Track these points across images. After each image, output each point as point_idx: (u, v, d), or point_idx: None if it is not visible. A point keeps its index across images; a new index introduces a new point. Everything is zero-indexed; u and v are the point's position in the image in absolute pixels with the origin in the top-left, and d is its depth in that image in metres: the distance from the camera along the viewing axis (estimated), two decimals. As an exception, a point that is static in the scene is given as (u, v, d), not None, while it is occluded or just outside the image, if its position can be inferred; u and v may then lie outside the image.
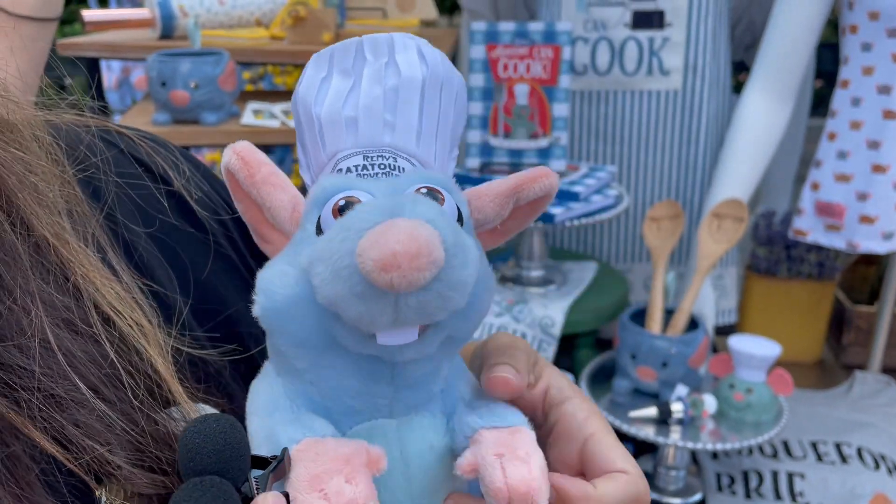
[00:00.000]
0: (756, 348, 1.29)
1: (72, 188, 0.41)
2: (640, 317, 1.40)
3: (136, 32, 1.72)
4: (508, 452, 0.34)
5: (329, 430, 0.34)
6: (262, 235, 0.37)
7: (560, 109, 1.45)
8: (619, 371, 1.38)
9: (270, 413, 0.34)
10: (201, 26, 1.67)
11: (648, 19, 1.60)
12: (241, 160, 0.35)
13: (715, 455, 1.48)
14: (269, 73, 2.27)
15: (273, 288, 0.33)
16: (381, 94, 0.35)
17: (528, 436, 0.35)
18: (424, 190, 0.33)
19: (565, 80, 1.44)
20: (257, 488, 0.29)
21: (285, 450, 0.31)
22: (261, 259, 0.47)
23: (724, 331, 1.80)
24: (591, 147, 1.70)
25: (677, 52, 1.60)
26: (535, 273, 1.54)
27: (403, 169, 0.35)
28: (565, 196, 1.39)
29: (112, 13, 1.74)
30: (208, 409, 0.41)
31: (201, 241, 0.47)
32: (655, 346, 1.31)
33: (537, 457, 0.34)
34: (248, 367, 0.43)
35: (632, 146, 1.67)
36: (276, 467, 0.30)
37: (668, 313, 1.41)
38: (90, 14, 1.70)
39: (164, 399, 0.38)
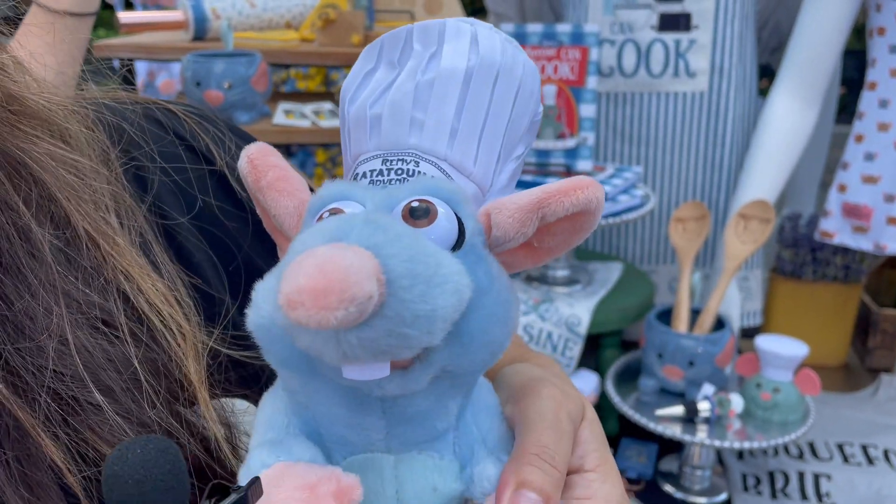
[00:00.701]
0: (783, 348, 1.29)
1: (118, 184, 0.40)
2: (665, 317, 1.41)
3: (169, 34, 1.76)
4: None
5: (308, 455, 0.31)
6: (277, 243, 0.36)
7: (587, 110, 1.46)
8: (645, 370, 1.39)
9: (264, 432, 0.32)
10: (233, 29, 1.70)
11: (675, 21, 1.61)
12: (249, 164, 0.33)
13: (740, 455, 1.48)
14: (293, 78, 2.30)
15: (260, 303, 0.30)
16: (413, 89, 0.31)
17: None
18: (416, 203, 0.29)
19: (592, 81, 1.46)
20: None
21: (255, 479, 0.27)
22: None
23: (748, 333, 1.80)
24: (618, 149, 1.71)
25: (703, 54, 1.61)
26: (561, 272, 1.55)
27: (424, 174, 0.31)
28: (592, 196, 1.40)
29: (146, 15, 1.78)
30: (240, 405, 0.41)
31: (245, 223, 0.46)
32: (682, 345, 1.32)
33: None
34: None
35: (657, 148, 1.68)
36: (238, 501, 0.26)
37: (694, 314, 1.41)
38: (125, 16, 1.73)
39: (190, 402, 0.37)
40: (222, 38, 1.59)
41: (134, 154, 0.43)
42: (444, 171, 0.32)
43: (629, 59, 1.63)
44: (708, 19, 1.59)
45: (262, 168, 0.32)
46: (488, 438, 0.33)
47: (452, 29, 0.32)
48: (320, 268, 0.24)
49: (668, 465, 1.46)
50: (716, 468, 1.43)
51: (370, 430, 0.31)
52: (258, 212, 0.35)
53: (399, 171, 0.31)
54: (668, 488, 1.41)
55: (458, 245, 0.29)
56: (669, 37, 1.61)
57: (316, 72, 2.24)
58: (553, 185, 0.30)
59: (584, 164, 1.47)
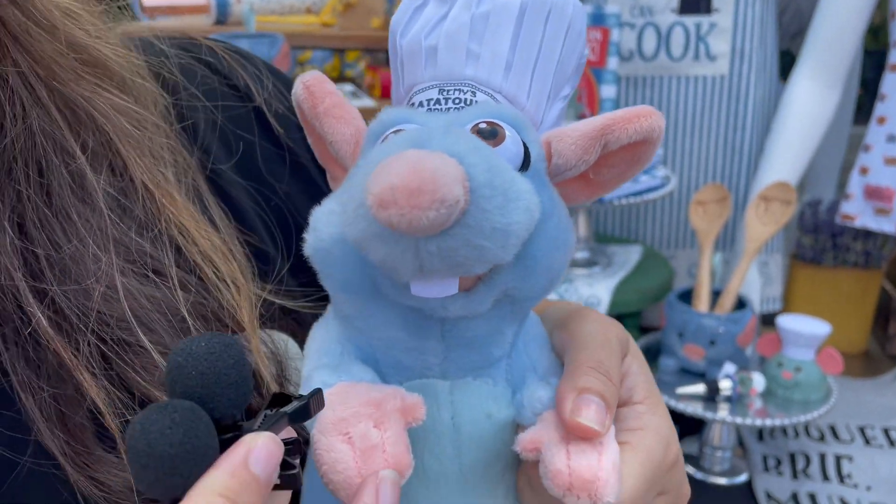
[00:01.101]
0: (805, 326, 1.29)
1: (176, 140, 0.41)
2: (685, 298, 1.41)
3: (192, 18, 1.77)
4: (579, 438, 0.30)
5: (367, 377, 0.32)
6: (330, 172, 0.36)
7: (608, 91, 1.47)
8: (665, 350, 1.39)
9: (319, 358, 0.32)
10: (254, 13, 1.72)
11: (696, 5, 1.60)
12: (306, 90, 0.33)
13: (761, 437, 1.48)
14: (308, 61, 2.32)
15: (320, 226, 0.31)
16: (469, 20, 0.31)
17: None
18: (483, 125, 0.29)
19: (613, 63, 1.46)
20: (260, 425, 0.25)
21: (317, 391, 0.27)
22: None
23: (768, 320, 1.80)
24: (637, 132, 1.71)
25: (724, 38, 1.60)
26: (580, 254, 1.55)
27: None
28: (613, 175, 1.40)
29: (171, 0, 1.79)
30: (278, 336, 0.41)
31: (282, 161, 0.46)
32: (703, 325, 1.32)
33: (612, 448, 0.30)
34: None
35: (677, 132, 1.68)
36: (299, 408, 0.26)
37: (714, 295, 1.41)
38: (149, 0, 1.75)
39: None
40: (244, 22, 1.60)
41: (179, 95, 0.43)
42: (498, 102, 0.32)
43: (649, 43, 1.63)
44: (729, 2, 1.59)
45: (319, 94, 0.32)
46: (538, 366, 0.33)
47: None
48: (413, 167, 0.24)
49: (689, 446, 1.46)
50: (736, 450, 1.42)
51: (428, 355, 0.31)
52: (311, 141, 0.36)
53: (456, 101, 0.31)
54: (689, 469, 1.40)
55: (523, 169, 0.30)
56: (690, 20, 1.61)
57: (330, 54, 2.25)
58: (615, 112, 0.30)
59: (604, 146, 1.48)
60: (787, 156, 1.52)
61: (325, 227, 0.30)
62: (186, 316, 0.36)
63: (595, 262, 1.56)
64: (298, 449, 0.26)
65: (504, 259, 0.27)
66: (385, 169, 0.24)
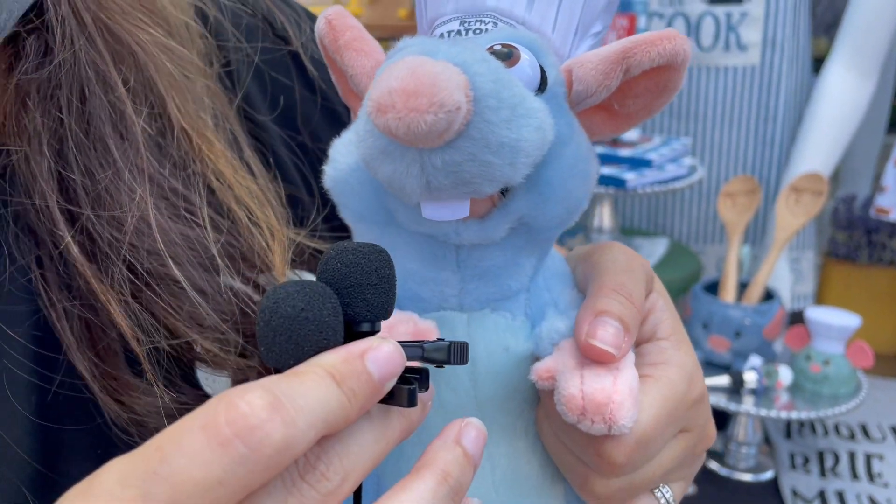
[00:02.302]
0: (834, 319, 1.25)
1: (216, 84, 0.41)
2: (712, 290, 1.38)
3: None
4: (594, 363, 0.29)
5: None
6: (352, 108, 0.36)
7: (634, 79, 1.45)
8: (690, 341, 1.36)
9: None
10: (282, 3, 1.73)
11: (726, -6, 1.58)
12: (327, 24, 0.33)
13: (788, 435, 1.44)
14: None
15: (338, 157, 0.31)
16: None
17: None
18: (498, 46, 0.29)
19: None
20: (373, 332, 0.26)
21: (463, 343, 0.27)
22: None
23: (799, 319, 1.76)
24: (666, 124, 1.68)
25: (755, 27, 1.57)
26: (605, 246, 1.53)
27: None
28: (639, 163, 1.38)
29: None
30: (308, 277, 0.42)
31: (314, 104, 0.47)
32: (729, 316, 1.29)
33: (628, 375, 0.29)
34: None
35: (707, 123, 1.65)
36: (438, 348, 0.26)
37: (742, 288, 1.38)
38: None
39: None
40: (272, 10, 1.62)
41: (222, 37, 0.44)
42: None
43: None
44: (761, -9, 1.56)
45: (339, 28, 0.32)
46: (559, 301, 0.33)
47: None
48: (412, 71, 0.23)
49: (714, 442, 1.43)
50: (762, 447, 1.39)
51: (444, 286, 0.31)
52: (334, 78, 0.36)
53: (477, 31, 0.31)
54: (713, 465, 1.37)
55: (540, 91, 0.29)
56: (720, 9, 1.58)
57: None
58: (637, 35, 0.29)
59: (630, 134, 1.46)
60: (820, 146, 1.49)
61: (342, 157, 0.30)
62: (216, 254, 0.36)
63: (620, 253, 1.53)
64: (424, 381, 0.26)
65: (513, 179, 0.26)
66: (385, 75, 0.24)
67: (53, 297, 0.33)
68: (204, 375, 0.37)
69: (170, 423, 0.31)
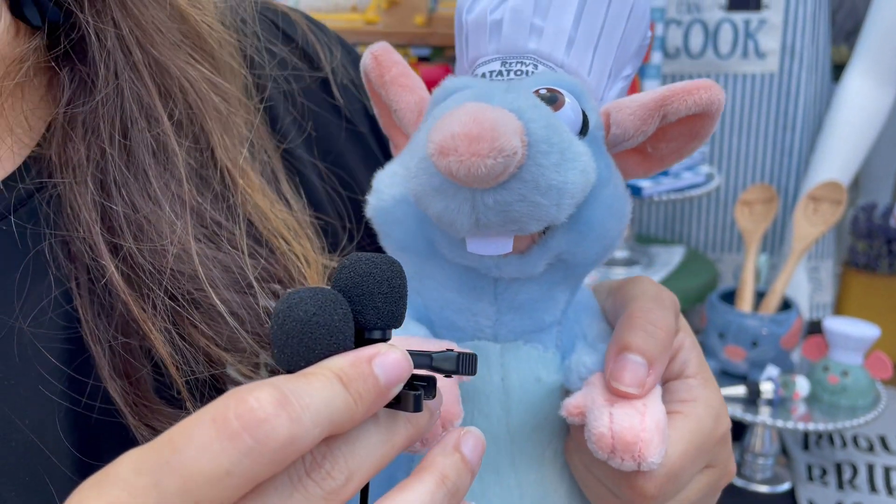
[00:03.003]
0: (853, 329, 1.24)
1: (256, 117, 0.42)
2: (728, 299, 1.37)
3: (239, 16, 1.81)
4: (621, 399, 0.30)
5: (422, 333, 0.33)
6: (393, 140, 0.37)
7: (651, 86, 1.44)
8: (706, 351, 1.35)
9: None
10: (301, 10, 1.74)
11: (745, 1, 1.57)
12: (374, 60, 0.34)
13: (806, 446, 1.43)
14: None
15: (382, 188, 0.32)
16: None
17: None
18: (543, 91, 0.30)
19: (657, 57, 1.43)
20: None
21: (472, 355, 0.27)
22: None
23: (818, 328, 1.74)
24: (682, 132, 1.68)
25: (774, 35, 1.56)
26: (620, 253, 1.52)
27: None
28: (654, 171, 1.38)
29: (217, -2, 1.83)
30: None
31: (339, 129, 0.48)
32: (745, 325, 1.28)
33: (655, 411, 0.30)
34: None
35: (724, 130, 1.64)
36: (446, 358, 0.26)
37: (759, 297, 1.37)
38: None
39: None
40: (289, 17, 1.62)
41: (258, 70, 0.45)
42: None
43: (696, 40, 1.60)
44: (779, -2, 1.55)
45: (386, 64, 0.34)
46: (588, 334, 0.34)
47: None
48: (473, 117, 0.25)
49: (729, 452, 1.42)
50: (779, 458, 1.37)
51: (480, 316, 0.32)
52: (377, 111, 0.37)
53: (518, 72, 0.32)
54: (728, 476, 1.36)
55: (581, 135, 0.30)
56: (739, 16, 1.57)
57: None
58: (675, 84, 0.31)
59: (646, 142, 1.45)
60: (840, 155, 1.47)
61: (386, 188, 0.32)
62: (252, 281, 0.37)
63: (635, 261, 1.53)
64: (431, 389, 0.26)
65: (558, 218, 0.28)
66: (447, 119, 0.25)
67: (92, 323, 0.34)
68: None
69: None
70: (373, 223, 0.33)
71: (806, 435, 1.44)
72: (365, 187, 0.46)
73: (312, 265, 0.39)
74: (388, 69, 0.34)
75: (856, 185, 1.70)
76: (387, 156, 0.49)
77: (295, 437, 0.21)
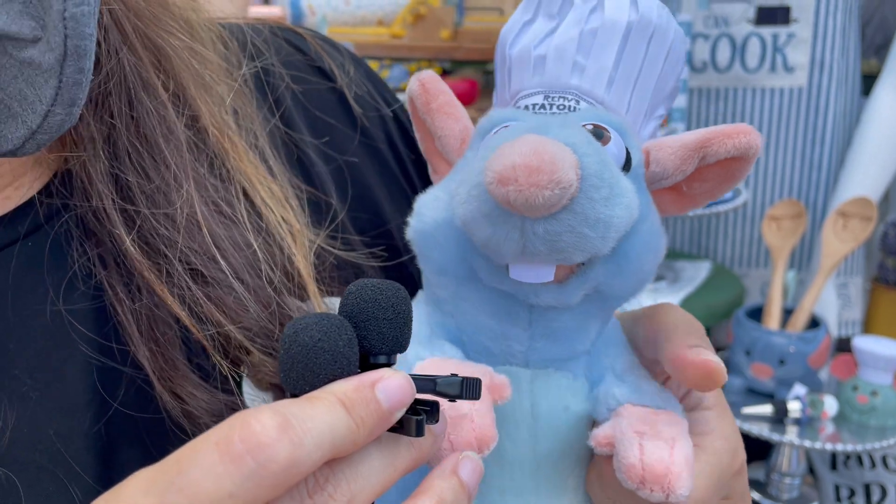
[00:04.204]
0: (883, 348, 1.22)
1: (242, 87, 0.43)
2: (755, 316, 1.36)
3: (267, 30, 1.82)
4: (651, 432, 0.31)
5: (458, 355, 0.33)
6: (433, 166, 0.38)
7: (678, 101, 1.43)
8: (731, 368, 1.33)
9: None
10: (328, 24, 1.76)
11: (773, 15, 1.56)
12: (421, 87, 0.35)
13: (834, 466, 1.40)
14: (386, 79, 2.35)
15: (424, 211, 0.33)
16: (578, 35, 0.33)
17: (678, 421, 0.32)
18: (590, 127, 0.31)
19: (684, 72, 1.43)
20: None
21: (476, 380, 0.27)
22: (429, 181, 0.47)
23: (846, 346, 1.71)
24: (709, 146, 1.66)
25: (803, 49, 1.55)
26: (646, 268, 1.51)
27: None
28: (680, 186, 1.37)
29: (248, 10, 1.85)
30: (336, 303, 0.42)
31: (351, 140, 0.48)
32: (773, 343, 1.26)
33: (684, 444, 0.31)
34: (401, 278, 0.44)
35: (751, 145, 1.63)
36: (450, 383, 0.27)
37: (787, 314, 1.35)
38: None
39: (299, 296, 0.39)
40: (316, 31, 1.64)
41: (259, 62, 0.45)
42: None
43: (723, 54, 1.59)
44: (808, 12, 1.53)
45: (433, 92, 0.35)
46: (616, 365, 0.34)
47: None
48: (534, 149, 0.26)
49: (755, 472, 1.40)
50: (806, 478, 1.35)
51: (513, 342, 0.33)
52: (418, 136, 0.38)
53: (561, 107, 0.33)
54: (755, 495, 1.34)
55: (625, 171, 0.31)
56: (767, 30, 1.56)
57: (391, 62, 2.27)
58: (715, 127, 0.32)
59: (672, 157, 1.44)
60: (869, 170, 1.46)
61: (429, 211, 0.32)
62: (258, 252, 0.38)
63: (661, 276, 1.52)
64: (434, 413, 0.27)
65: (602, 251, 0.29)
66: (507, 149, 0.26)
67: (119, 293, 0.35)
68: (249, 389, 0.38)
69: (216, 421, 0.32)
70: (412, 245, 0.34)
71: (834, 455, 1.42)
72: (378, 196, 0.47)
73: (297, 238, 0.40)
74: (434, 97, 0.35)
75: (886, 200, 1.67)
76: (403, 169, 0.49)
77: (296, 460, 0.22)
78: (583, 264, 0.30)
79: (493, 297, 0.32)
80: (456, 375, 0.27)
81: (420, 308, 0.35)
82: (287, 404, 0.23)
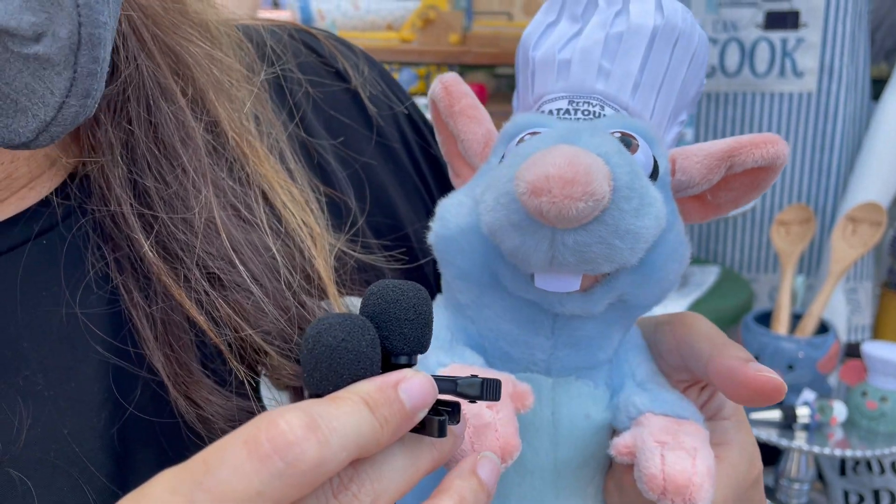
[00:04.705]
0: (892, 354, 1.21)
1: (261, 93, 0.43)
2: (764, 321, 1.35)
3: (277, 34, 1.83)
4: (673, 442, 0.30)
5: (479, 362, 0.33)
6: (455, 169, 0.38)
7: (686, 105, 1.43)
8: (740, 373, 1.33)
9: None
10: (337, 29, 1.76)
11: (782, 20, 1.55)
12: (444, 89, 0.35)
13: (843, 472, 1.40)
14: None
15: (447, 216, 0.33)
16: (603, 39, 0.33)
17: (699, 431, 0.31)
18: (618, 135, 0.31)
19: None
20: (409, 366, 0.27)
21: (496, 381, 0.27)
22: (442, 180, 0.45)
23: (854, 351, 1.70)
24: (717, 150, 1.66)
25: (812, 54, 1.55)
26: (654, 273, 1.51)
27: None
28: (689, 191, 1.37)
29: (258, 15, 1.86)
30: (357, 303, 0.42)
31: (369, 141, 0.48)
32: (781, 348, 1.26)
33: (705, 454, 0.30)
34: (419, 280, 0.44)
35: (760, 149, 1.62)
36: (471, 384, 0.27)
37: (795, 319, 1.35)
38: (237, 16, 1.82)
39: (319, 299, 0.39)
40: (326, 36, 1.65)
41: (277, 66, 0.46)
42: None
43: (732, 59, 1.59)
44: (818, 17, 1.53)
45: (455, 95, 0.35)
46: (637, 374, 0.34)
47: None
48: (568, 160, 0.25)
49: (764, 477, 1.39)
50: (815, 484, 1.35)
51: (535, 349, 0.33)
52: (439, 138, 0.38)
53: (586, 112, 0.33)
54: (763, 501, 1.34)
55: (652, 179, 0.31)
56: (776, 35, 1.56)
57: (400, 66, 2.28)
58: (742, 137, 0.31)
59: (681, 161, 1.44)
60: (879, 175, 1.45)
61: (452, 217, 0.32)
62: (278, 257, 0.38)
63: (669, 281, 1.51)
64: (455, 414, 0.27)
65: (630, 261, 0.28)
66: (540, 159, 0.26)
67: (135, 297, 0.35)
68: (267, 392, 0.38)
69: (232, 426, 0.31)
70: (434, 250, 0.34)
71: (843, 461, 1.42)
72: (394, 197, 0.46)
73: (318, 241, 0.40)
74: (457, 100, 0.35)
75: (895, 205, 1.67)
76: (417, 168, 0.49)
77: (323, 459, 0.22)
78: (608, 273, 0.30)
79: (517, 305, 0.32)
80: (476, 377, 0.27)
81: (440, 312, 0.35)
82: (312, 404, 0.23)
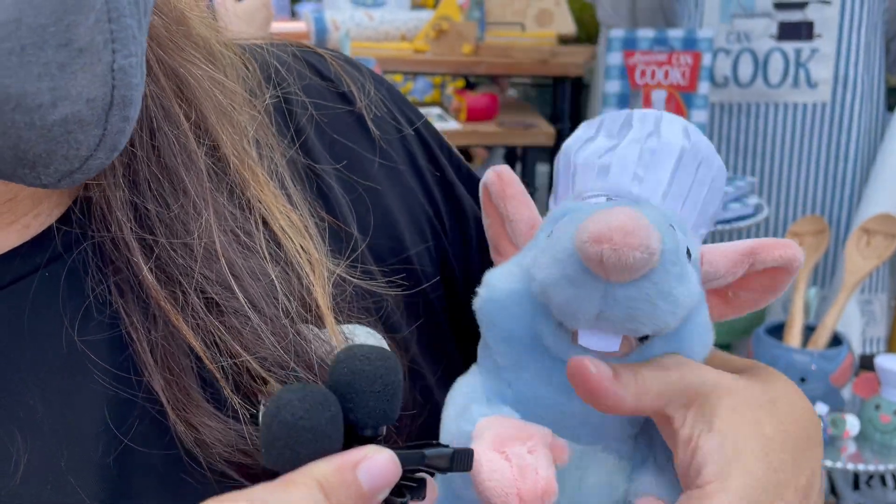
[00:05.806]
0: (906, 367, 1.20)
1: (263, 117, 0.43)
2: (776, 333, 1.34)
3: (292, 45, 1.85)
4: None
5: (516, 416, 0.35)
6: (499, 248, 0.41)
7: (699, 116, 1.43)
8: (752, 386, 1.32)
9: (468, 402, 0.36)
10: (351, 39, 1.78)
11: (796, 30, 1.55)
12: (497, 177, 0.39)
13: (856, 486, 1.39)
14: (409, 92, 2.36)
15: (495, 282, 0.35)
16: (638, 151, 0.37)
17: None
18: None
19: (704, 87, 1.42)
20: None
21: (468, 450, 0.28)
22: (453, 201, 0.47)
23: (868, 364, 1.69)
24: (731, 161, 1.66)
25: (826, 64, 1.54)
26: (666, 284, 1.51)
27: None
28: (701, 202, 1.37)
29: (272, 25, 1.88)
30: (360, 330, 0.42)
31: (371, 163, 0.48)
32: (793, 361, 1.25)
33: None
34: (423, 305, 0.44)
35: (773, 160, 1.62)
36: (440, 456, 0.27)
37: (808, 331, 1.34)
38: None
39: (316, 327, 0.39)
40: (339, 46, 1.66)
41: (281, 89, 0.46)
42: None
43: (745, 69, 1.58)
44: (832, 28, 1.53)
45: (507, 180, 0.39)
46: (658, 456, 0.35)
47: (668, 118, 0.38)
48: (629, 215, 0.29)
49: (776, 490, 1.38)
50: (828, 499, 1.34)
51: (568, 416, 0.34)
52: (487, 220, 0.41)
53: None
54: (775, 514, 1.33)
55: None
56: (789, 46, 1.55)
57: (437, 93, 2.29)
58: (762, 239, 0.35)
59: (693, 172, 1.44)
60: (894, 187, 1.44)
61: (501, 283, 0.35)
62: (276, 283, 0.38)
63: (681, 292, 1.51)
64: (419, 490, 0.26)
65: (670, 325, 0.31)
66: (601, 215, 0.29)
67: (135, 321, 0.35)
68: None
69: (230, 452, 0.31)
70: (478, 314, 0.36)
71: (856, 475, 1.40)
72: (399, 221, 0.46)
73: (316, 268, 0.40)
74: (510, 185, 0.39)
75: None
76: (425, 188, 0.49)
77: None
78: (645, 339, 0.32)
79: (555, 368, 0.34)
80: (447, 446, 0.26)
81: (475, 377, 0.37)
82: (263, 490, 0.23)
